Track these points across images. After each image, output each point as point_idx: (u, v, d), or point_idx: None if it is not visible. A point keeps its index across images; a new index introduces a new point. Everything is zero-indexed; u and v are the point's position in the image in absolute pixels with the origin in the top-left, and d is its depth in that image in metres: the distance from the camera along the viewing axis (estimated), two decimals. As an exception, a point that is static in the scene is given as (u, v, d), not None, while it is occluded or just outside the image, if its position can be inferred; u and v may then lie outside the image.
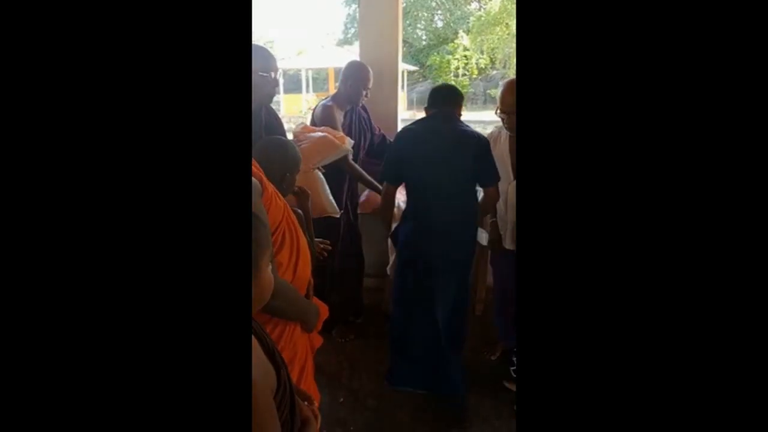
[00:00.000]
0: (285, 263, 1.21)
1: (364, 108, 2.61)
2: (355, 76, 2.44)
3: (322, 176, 2.09)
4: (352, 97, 2.46)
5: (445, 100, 1.96)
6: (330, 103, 2.45)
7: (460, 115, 1.96)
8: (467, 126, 1.92)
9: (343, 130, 2.43)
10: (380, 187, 2.22)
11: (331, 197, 2.11)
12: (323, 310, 1.40)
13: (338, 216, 2.21)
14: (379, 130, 2.69)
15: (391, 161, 1.97)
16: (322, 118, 2.40)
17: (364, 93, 2.46)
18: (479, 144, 1.87)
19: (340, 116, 2.44)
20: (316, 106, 2.51)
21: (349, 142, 2.21)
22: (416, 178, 1.92)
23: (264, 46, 1.82)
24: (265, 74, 1.72)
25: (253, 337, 0.83)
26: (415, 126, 1.97)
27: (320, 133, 2.12)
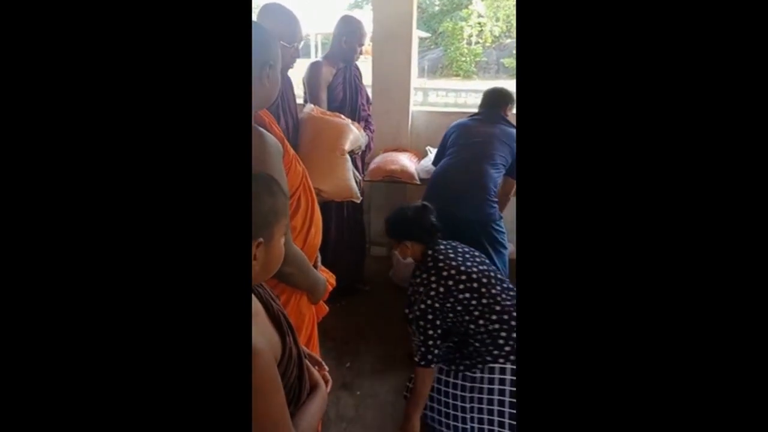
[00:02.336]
0: (298, 228, 1.21)
1: (357, 68, 2.52)
2: (349, 32, 2.33)
3: (350, 161, 2.09)
4: (347, 54, 2.36)
5: (494, 101, 2.29)
6: (319, 61, 2.36)
7: (506, 114, 2.27)
8: (512, 126, 2.21)
9: (336, 88, 2.37)
10: (357, 178, 2.35)
11: (354, 183, 2.11)
12: (331, 281, 1.41)
13: (359, 201, 2.20)
14: (367, 98, 2.61)
15: (440, 147, 2.32)
16: (309, 76, 2.33)
17: (359, 50, 2.35)
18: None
19: (329, 75, 2.36)
20: None
21: (363, 136, 2.18)
22: (450, 155, 2.20)
23: (292, 12, 1.76)
24: (287, 45, 1.68)
25: (258, 303, 0.83)
26: (466, 120, 2.30)
27: (343, 120, 2.08)
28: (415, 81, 3.12)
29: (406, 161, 2.68)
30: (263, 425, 0.72)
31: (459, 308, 1.57)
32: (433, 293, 1.57)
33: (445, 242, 1.71)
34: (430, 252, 1.66)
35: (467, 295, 1.56)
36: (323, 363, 1.02)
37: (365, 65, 2.58)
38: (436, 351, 1.59)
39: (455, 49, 17.67)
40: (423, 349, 1.58)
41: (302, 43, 1.87)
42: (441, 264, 1.61)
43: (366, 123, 2.53)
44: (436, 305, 1.57)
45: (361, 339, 2.33)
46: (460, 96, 10.23)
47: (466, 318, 1.57)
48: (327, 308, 1.45)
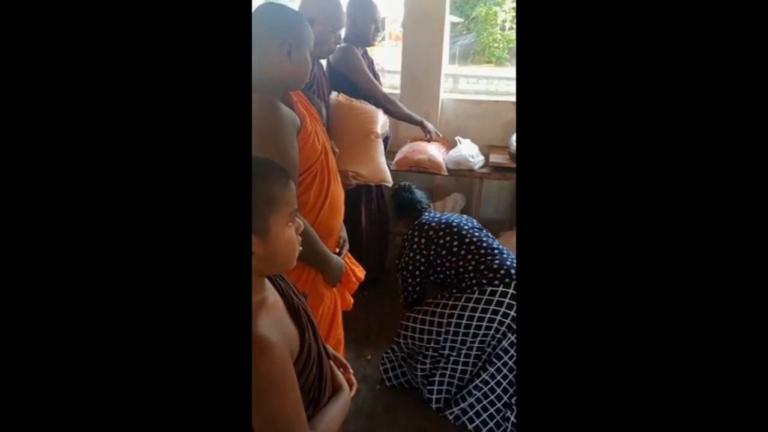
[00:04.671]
0: (310, 204, 1.20)
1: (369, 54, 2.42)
2: (361, 12, 2.19)
3: (382, 145, 2.07)
4: (363, 36, 2.22)
5: None
6: (349, 45, 2.20)
7: None
8: None
9: None
10: (417, 118, 2.42)
11: (386, 166, 2.09)
12: (359, 275, 1.38)
13: (390, 185, 2.17)
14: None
15: None
16: (348, 60, 2.16)
17: (373, 27, 2.21)
18: None
19: None
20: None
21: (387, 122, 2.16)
22: None
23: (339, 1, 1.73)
24: (332, 30, 1.68)
25: (276, 295, 0.80)
26: None
27: (371, 106, 2.07)
28: (446, 67, 3.02)
29: (434, 151, 2.60)
30: (276, 423, 0.69)
31: (443, 252, 1.80)
32: (414, 246, 1.88)
33: (434, 213, 2.01)
34: (417, 220, 1.97)
35: (448, 239, 1.81)
36: (348, 366, 0.97)
37: (395, 51, 2.51)
38: (415, 296, 1.94)
39: (488, 35, 17.28)
40: (405, 293, 1.96)
41: (341, 30, 1.82)
42: (424, 222, 1.92)
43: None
44: (417, 257, 1.87)
45: (382, 331, 2.29)
46: (492, 83, 10.00)
47: (453, 259, 1.78)
48: (351, 302, 1.43)
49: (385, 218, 2.62)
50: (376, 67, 2.46)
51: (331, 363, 0.90)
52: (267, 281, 0.79)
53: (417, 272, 1.90)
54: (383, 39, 2.33)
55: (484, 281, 1.68)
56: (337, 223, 1.31)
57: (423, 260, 1.88)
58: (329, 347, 0.94)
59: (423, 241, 1.87)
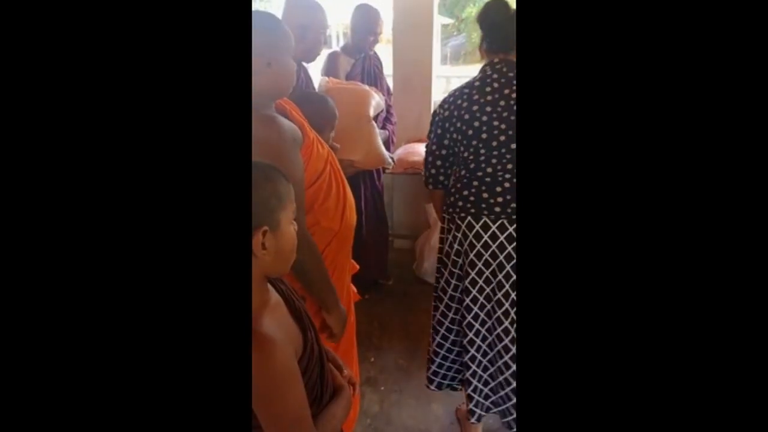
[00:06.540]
0: (332, 210, 1.23)
1: (377, 57, 2.49)
2: (359, 21, 2.33)
3: (377, 127, 2.03)
4: (360, 44, 2.35)
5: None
6: (336, 51, 2.36)
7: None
8: None
9: (354, 79, 2.33)
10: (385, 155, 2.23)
11: (384, 149, 2.07)
12: (354, 265, 1.43)
13: (390, 168, 2.17)
14: (388, 95, 2.56)
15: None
16: (326, 66, 2.31)
17: (371, 38, 2.33)
18: None
19: (347, 65, 2.34)
20: None
21: (382, 99, 2.14)
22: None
23: (316, 1, 1.76)
24: (322, 34, 1.73)
25: (278, 297, 0.82)
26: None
27: (362, 86, 2.05)
28: (438, 68, 3.04)
29: (429, 152, 2.62)
30: (282, 420, 0.71)
31: (457, 136, 1.48)
32: (440, 113, 1.53)
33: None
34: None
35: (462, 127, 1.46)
36: (343, 367, 0.98)
37: (386, 54, 2.54)
38: (440, 177, 1.56)
39: (479, 35, 17.33)
40: (426, 172, 1.58)
41: (327, 31, 1.85)
42: (458, 89, 1.53)
43: (387, 114, 2.47)
44: (438, 130, 1.52)
45: (385, 333, 2.31)
46: (485, 83, 10.00)
47: (462, 150, 1.48)
48: (358, 296, 1.50)
49: (382, 219, 2.63)
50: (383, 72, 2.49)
51: (330, 365, 0.92)
52: (269, 284, 0.81)
53: (444, 141, 1.53)
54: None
55: (485, 210, 1.43)
56: (355, 221, 1.34)
57: (441, 135, 1.54)
58: (327, 348, 0.96)
59: (446, 114, 1.52)
